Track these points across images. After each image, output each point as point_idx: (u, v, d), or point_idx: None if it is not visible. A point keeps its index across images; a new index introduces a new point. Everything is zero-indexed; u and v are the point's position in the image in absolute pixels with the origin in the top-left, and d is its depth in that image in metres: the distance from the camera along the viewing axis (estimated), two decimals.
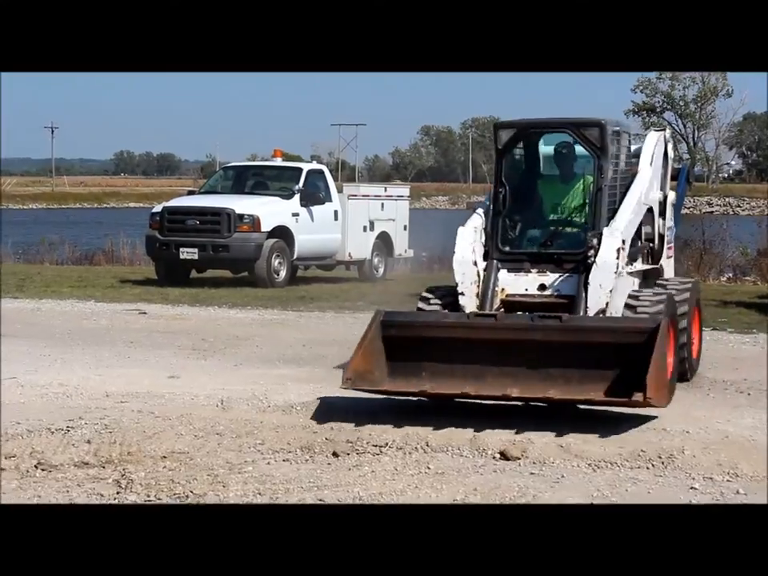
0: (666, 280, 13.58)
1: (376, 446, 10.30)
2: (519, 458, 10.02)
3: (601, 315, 11.57)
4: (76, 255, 34.58)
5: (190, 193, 29.04)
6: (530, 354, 11.06)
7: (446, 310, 12.12)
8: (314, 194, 26.58)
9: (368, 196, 28.54)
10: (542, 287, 11.97)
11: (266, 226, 25.13)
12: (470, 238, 12.23)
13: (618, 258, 11.71)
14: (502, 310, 12.01)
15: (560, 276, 11.99)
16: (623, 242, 11.86)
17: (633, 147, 13.58)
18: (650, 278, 13.46)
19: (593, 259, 11.67)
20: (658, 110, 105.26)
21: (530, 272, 12.10)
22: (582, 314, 11.57)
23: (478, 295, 12.04)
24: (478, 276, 12.09)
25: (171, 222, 25.34)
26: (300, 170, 27.53)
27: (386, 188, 31.23)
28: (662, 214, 13.96)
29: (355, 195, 28.42)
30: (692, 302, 13.00)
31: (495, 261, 12.16)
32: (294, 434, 10.47)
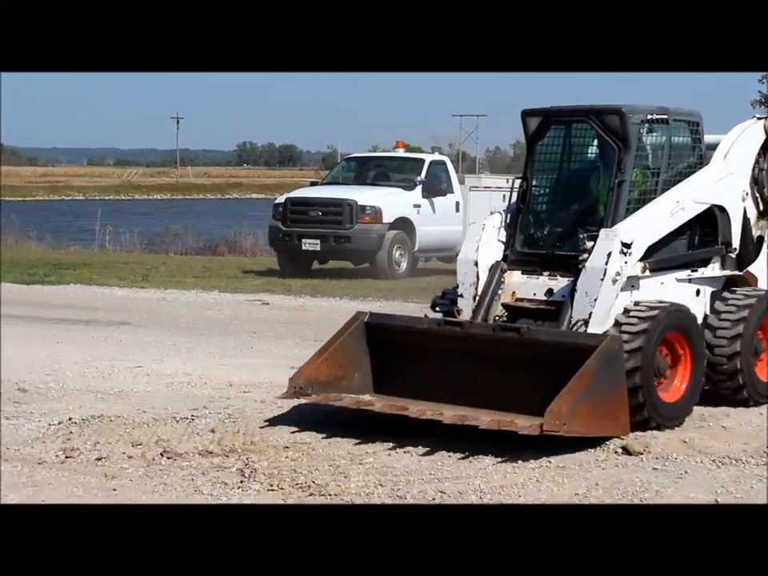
0: (733, 290, 11.57)
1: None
2: (642, 453, 9.93)
3: (579, 327, 10.41)
4: (199, 246, 34.99)
5: (313, 184, 29.19)
6: (491, 367, 10.38)
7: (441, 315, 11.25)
8: (435, 186, 26.61)
9: (490, 188, 28.41)
10: (550, 292, 10.93)
11: (387, 218, 25.25)
12: (477, 237, 11.43)
13: (607, 264, 10.42)
14: (504, 314, 11.11)
15: (568, 281, 10.91)
16: (625, 245, 10.52)
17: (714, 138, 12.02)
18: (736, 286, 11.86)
19: (584, 264, 10.63)
20: None
21: (542, 275, 11.10)
22: (564, 323, 10.52)
23: (475, 298, 11.18)
24: (477, 278, 11.21)
25: (294, 213, 25.53)
26: (422, 161, 27.57)
27: (507, 179, 31.10)
28: (763, 214, 12.17)
29: (477, 187, 28.40)
30: (760, 311, 11.33)
31: (503, 262, 11.25)
32: (415, 424, 10.48)
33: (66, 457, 9.72)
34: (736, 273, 11.81)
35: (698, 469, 9.57)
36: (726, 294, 11.46)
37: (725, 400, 11.36)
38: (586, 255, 10.59)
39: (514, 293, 11.13)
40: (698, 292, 11.45)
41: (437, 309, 11.44)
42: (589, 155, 11.57)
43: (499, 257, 11.29)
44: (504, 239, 11.38)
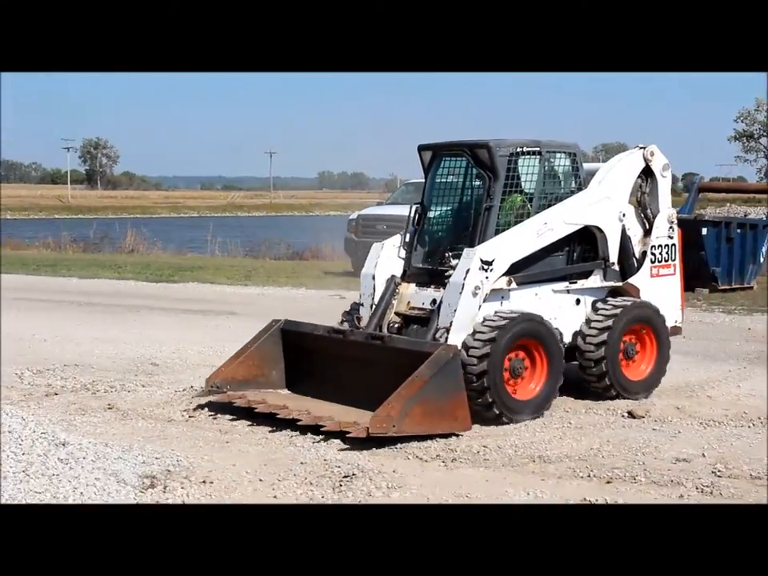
0: (606, 301, 10.72)
1: None
2: (643, 417, 9.91)
3: (442, 334, 9.62)
4: (289, 252, 34.97)
5: (379, 204, 29.21)
6: (364, 369, 9.66)
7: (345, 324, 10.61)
8: None
9: None
10: (434, 302, 10.02)
11: None
12: (376, 254, 10.72)
13: (465, 279, 9.61)
14: (399, 322, 10.30)
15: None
16: (486, 262, 9.68)
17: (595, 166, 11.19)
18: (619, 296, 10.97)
19: (448, 279, 9.92)
20: (756, 136, 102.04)
21: (430, 287, 10.27)
22: (431, 331, 9.72)
23: (371, 307, 10.47)
24: (374, 290, 10.52)
25: (364, 227, 25.50)
26: None
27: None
28: (648, 233, 11.16)
29: None
30: (624, 320, 10.50)
31: (396, 276, 10.52)
32: None
33: (189, 416, 9.85)
34: (614, 284, 10.93)
35: (688, 429, 9.54)
36: (598, 305, 10.68)
37: (598, 396, 10.53)
38: (451, 271, 9.95)
39: (408, 302, 10.38)
40: (578, 301, 10.64)
41: (344, 318, 10.77)
42: (468, 184, 10.68)
43: (396, 272, 10.61)
44: (404, 256, 10.68)
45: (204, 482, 7.68)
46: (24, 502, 6.33)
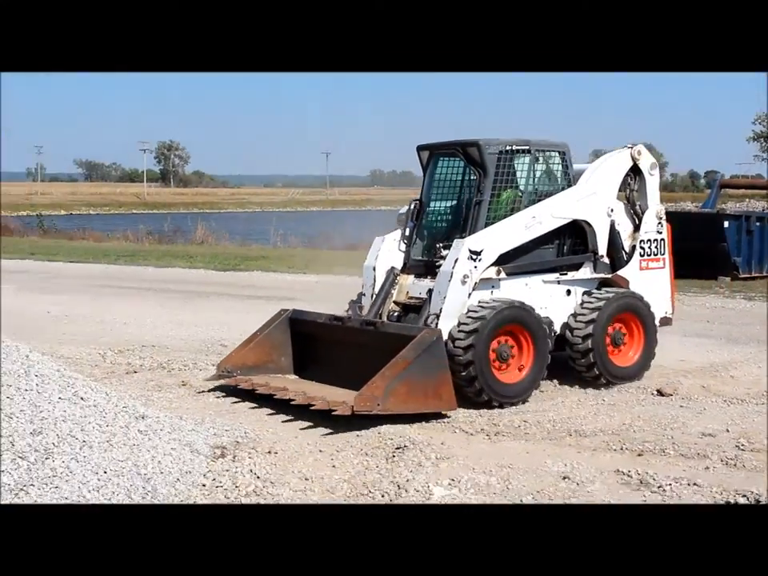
0: (591, 293, 10.35)
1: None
2: (672, 395, 9.79)
3: (432, 320, 9.33)
4: (344, 243, 35.01)
5: None
6: (360, 353, 9.36)
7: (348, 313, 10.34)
8: None
9: None
10: (429, 292, 9.70)
11: None
12: (378, 247, 10.54)
13: (453, 268, 9.38)
14: (397, 310, 10.09)
15: None
16: (474, 252, 9.46)
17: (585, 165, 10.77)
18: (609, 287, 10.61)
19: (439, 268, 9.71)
20: None
21: (426, 278, 10.04)
22: (423, 317, 9.47)
23: (372, 296, 10.31)
24: (375, 280, 10.36)
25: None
26: None
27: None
28: (637, 228, 10.79)
29: None
30: (608, 311, 10.11)
31: (395, 267, 10.33)
32: None
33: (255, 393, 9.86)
34: (604, 275, 10.55)
35: (713, 406, 9.41)
36: (584, 298, 10.31)
37: (588, 383, 10.15)
38: (441, 261, 9.73)
39: (407, 292, 10.16)
40: (568, 292, 10.30)
41: (350, 306, 10.55)
42: (461, 180, 10.40)
43: (396, 264, 10.40)
44: (404, 250, 10.47)
45: (269, 452, 7.71)
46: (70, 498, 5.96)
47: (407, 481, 6.93)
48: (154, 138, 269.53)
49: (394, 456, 7.62)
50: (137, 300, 17.53)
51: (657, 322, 10.77)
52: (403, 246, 10.53)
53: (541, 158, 10.29)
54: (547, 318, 9.95)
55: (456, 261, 9.45)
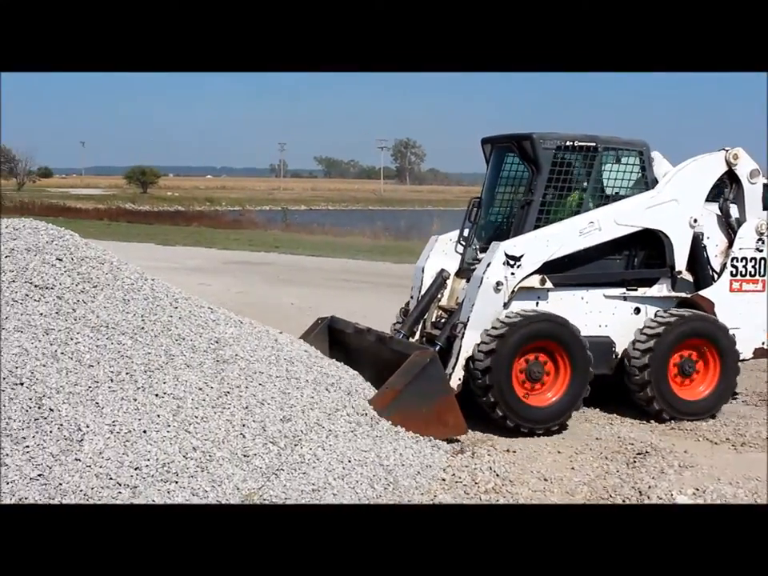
0: (662, 313, 9.06)
1: None
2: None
3: (459, 329, 8.45)
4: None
5: None
6: (377, 364, 8.34)
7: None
8: None
9: None
10: None
11: None
12: (429, 247, 9.64)
13: (484, 273, 8.43)
14: (444, 317, 9.20)
15: None
16: (512, 257, 8.45)
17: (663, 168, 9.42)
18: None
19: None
20: None
21: None
22: (448, 326, 8.66)
23: (417, 299, 9.48)
24: (422, 282, 9.47)
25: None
26: None
27: None
28: (731, 243, 9.40)
29: None
30: (669, 339, 8.84)
31: (445, 270, 9.41)
32: None
33: None
34: (684, 295, 9.24)
35: None
36: (646, 321, 9.04)
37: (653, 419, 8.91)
38: (476, 265, 8.81)
39: (457, 297, 9.23)
40: (637, 310, 9.12)
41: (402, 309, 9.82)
42: (517, 177, 9.40)
43: (447, 266, 9.47)
44: (461, 252, 9.54)
45: (508, 450, 7.75)
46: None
47: (649, 488, 6.81)
48: (391, 136, 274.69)
49: (635, 461, 7.51)
50: (373, 295, 17.92)
51: (751, 353, 9.45)
52: (460, 248, 9.65)
53: (611, 157, 9.20)
54: (607, 337, 8.97)
55: (488, 265, 8.53)
